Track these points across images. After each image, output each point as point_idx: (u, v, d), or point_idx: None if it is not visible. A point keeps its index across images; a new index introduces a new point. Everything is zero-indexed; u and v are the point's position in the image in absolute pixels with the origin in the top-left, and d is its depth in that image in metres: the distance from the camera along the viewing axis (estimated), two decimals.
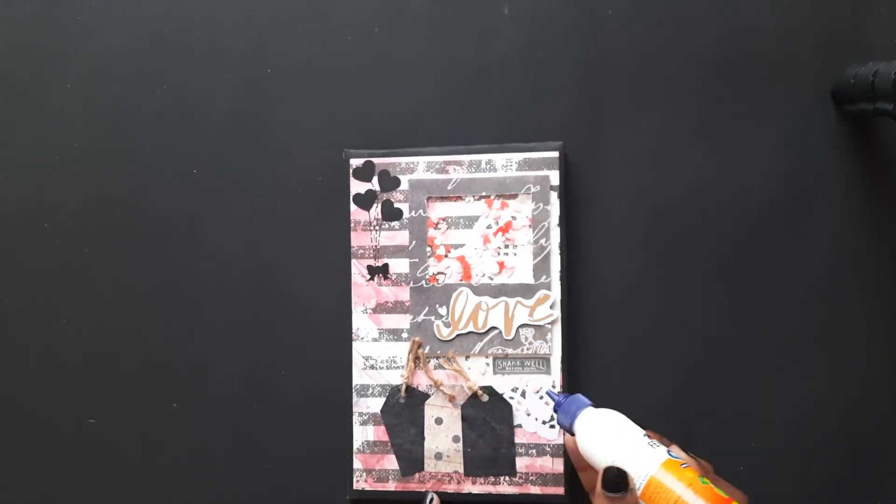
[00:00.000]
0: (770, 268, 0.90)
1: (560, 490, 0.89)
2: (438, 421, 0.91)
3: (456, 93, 0.95)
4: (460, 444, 0.90)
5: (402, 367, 0.92)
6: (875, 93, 0.80)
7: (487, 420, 0.90)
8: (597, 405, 0.81)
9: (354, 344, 0.93)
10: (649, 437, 0.77)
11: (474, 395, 0.90)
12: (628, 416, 0.81)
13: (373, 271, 0.93)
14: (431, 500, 0.89)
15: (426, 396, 0.91)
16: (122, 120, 0.99)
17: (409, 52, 0.96)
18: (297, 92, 0.97)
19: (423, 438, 0.91)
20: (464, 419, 0.90)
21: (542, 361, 0.90)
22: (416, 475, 0.91)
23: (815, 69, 0.90)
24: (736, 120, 0.91)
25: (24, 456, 0.99)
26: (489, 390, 0.90)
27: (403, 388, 0.91)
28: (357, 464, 0.92)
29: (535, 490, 0.89)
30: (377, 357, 0.92)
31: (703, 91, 0.91)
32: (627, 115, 0.92)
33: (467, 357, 0.91)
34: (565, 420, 0.81)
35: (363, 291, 0.93)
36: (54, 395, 0.98)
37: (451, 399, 0.91)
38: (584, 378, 0.91)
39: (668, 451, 0.74)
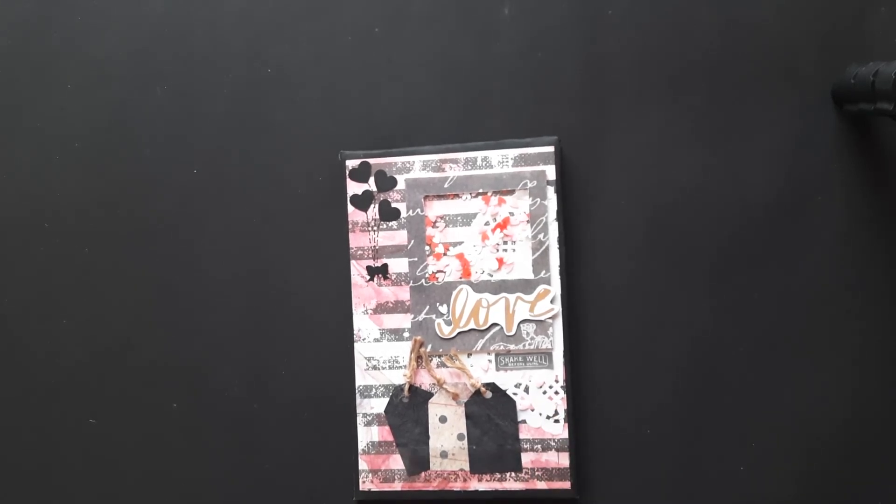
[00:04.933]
0: (770, 267, 0.91)
1: (566, 484, 0.90)
2: (443, 419, 0.91)
3: (456, 93, 0.95)
4: (465, 442, 0.91)
5: (405, 366, 0.92)
6: (875, 93, 0.80)
7: (491, 417, 0.90)
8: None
9: (356, 345, 0.93)
10: None
11: (477, 393, 0.91)
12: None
13: (372, 272, 0.93)
14: None
15: (429, 395, 0.92)
16: (122, 119, 0.98)
17: (410, 52, 0.96)
18: (298, 92, 0.97)
19: (427, 437, 0.91)
20: (468, 417, 0.91)
21: (545, 356, 0.90)
22: (422, 474, 0.91)
23: (815, 69, 0.91)
24: (735, 119, 0.91)
25: (25, 456, 0.98)
26: (492, 387, 0.91)
27: (406, 387, 0.92)
28: (363, 465, 0.92)
29: (541, 485, 0.90)
30: (379, 357, 0.93)
31: (702, 90, 0.92)
32: (628, 113, 0.93)
33: (469, 354, 0.91)
34: None
35: (363, 292, 0.93)
36: (54, 395, 0.98)
37: (455, 397, 0.91)
38: (586, 372, 0.92)
39: None
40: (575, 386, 0.91)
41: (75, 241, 0.98)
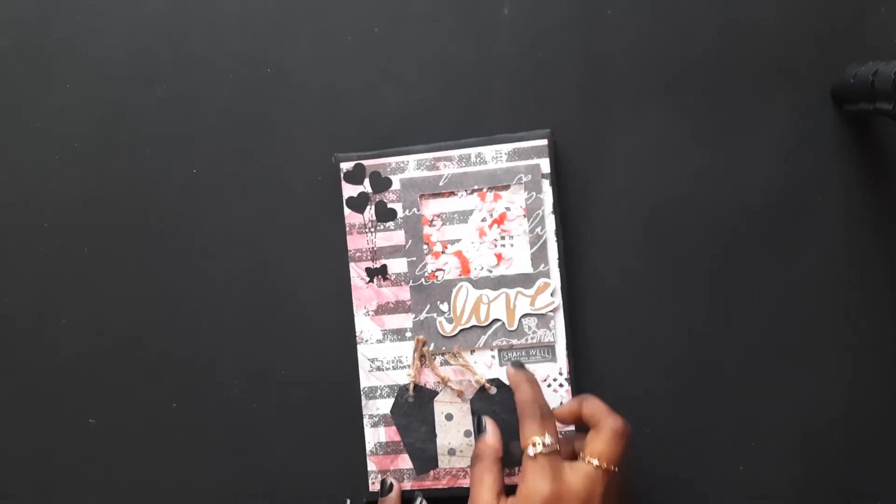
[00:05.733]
0: (769, 265, 0.91)
1: None
2: (449, 417, 0.92)
3: (456, 93, 0.95)
4: (472, 439, 0.91)
5: (408, 366, 0.92)
6: (875, 93, 0.81)
7: (497, 412, 0.90)
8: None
9: (359, 347, 0.93)
10: None
11: (482, 389, 0.91)
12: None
13: (371, 273, 0.93)
14: (421, 502, 0.90)
15: (434, 393, 0.92)
16: (122, 119, 0.98)
17: (409, 52, 0.96)
18: (297, 92, 0.96)
19: (434, 435, 0.92)
20: (474, 413, 0.91)
21: (547, 349, 0.91)
22: (431, 473, 0.91)
23: (815, 69, 0.91)
24: (735, 119, 0.92)
25: (24, 456, 0.98)
26: (497, 382, 0.91)
27: (411, 387, 0.92)
28: (371, 466, 0.92)
29: None
30: (382, 358, 0.93)
31: (702, 90, 0.93)
32: (627, 113, 0.93)
33: (472, 351, 0.92)
34: None
35: (363, 294, 0.93)
36: (53, 394, 0.98)
37: (460, 394, 0.91)
38: (590, 364, 0.93)
39: None
40: (578, 378, 0.92)
41: (75, 241, 0.98)
